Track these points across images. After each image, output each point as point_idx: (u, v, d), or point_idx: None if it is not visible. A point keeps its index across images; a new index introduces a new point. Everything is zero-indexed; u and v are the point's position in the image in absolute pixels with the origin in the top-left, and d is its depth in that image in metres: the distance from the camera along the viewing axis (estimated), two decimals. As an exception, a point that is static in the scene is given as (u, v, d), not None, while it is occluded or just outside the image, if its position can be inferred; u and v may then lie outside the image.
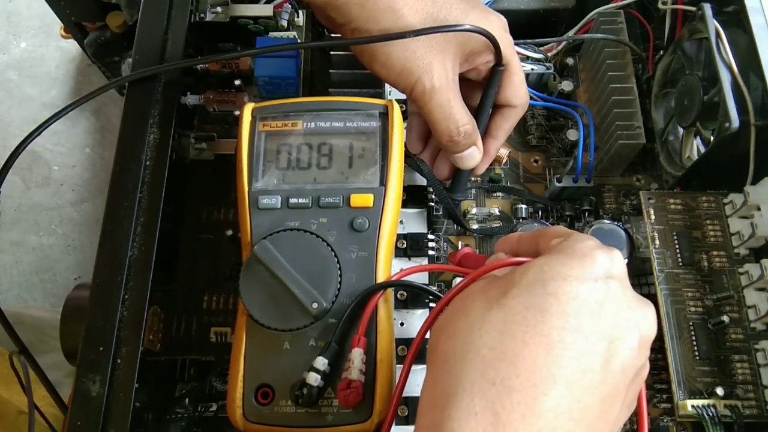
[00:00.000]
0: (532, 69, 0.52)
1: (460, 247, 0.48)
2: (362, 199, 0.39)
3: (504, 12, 0.43)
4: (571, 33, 0.54)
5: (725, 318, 0.41)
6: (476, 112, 0.42)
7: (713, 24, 0.44)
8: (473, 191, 0.50)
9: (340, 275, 0.37)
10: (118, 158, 0.43)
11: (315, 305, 0.35)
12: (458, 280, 0.46)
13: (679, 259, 0.44)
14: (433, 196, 0.48)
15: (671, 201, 0.45)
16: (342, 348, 0.36)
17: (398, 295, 0.45)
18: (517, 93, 0.42)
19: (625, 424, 0.29)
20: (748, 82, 0.42)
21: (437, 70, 0.38)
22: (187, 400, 0.43)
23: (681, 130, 0.49)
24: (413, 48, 0.37)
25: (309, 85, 0.52)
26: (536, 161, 0.52)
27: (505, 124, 0.43)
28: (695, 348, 0.41)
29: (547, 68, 0.52)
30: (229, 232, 0.47)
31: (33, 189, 1.20)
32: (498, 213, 0.49)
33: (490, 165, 0.51)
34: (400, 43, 0.37)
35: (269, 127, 0.41)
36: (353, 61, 0.50)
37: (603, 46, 0.51)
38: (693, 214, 0.45)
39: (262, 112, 0.42)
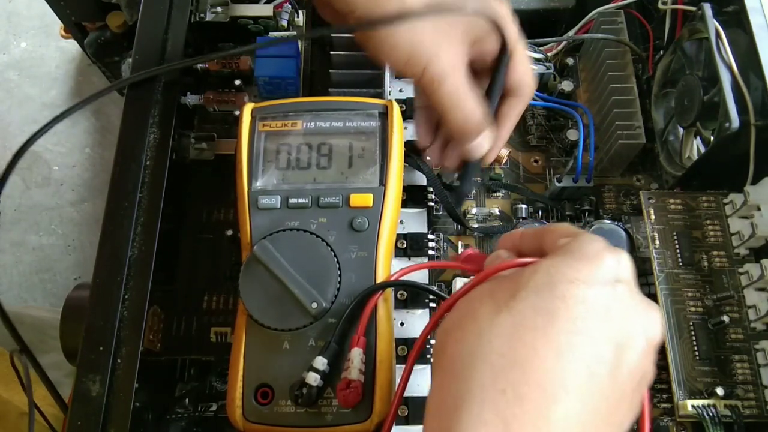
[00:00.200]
0: (532, 69, 0.52)
1: (460, 247, 0.48)
2: (362, 199, 0.39)
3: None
4: (571, 33, 0.54)
5: (725, 318, 0.41)
6: (484, 101, 0.41)
7: (713, 24, 0.44)
8: (473, 191, 0.50)
9: (340, 275, 0.37)
10: (118, 158, 0.43)
11: (314, 305, 0.35)
12: (458, 280, 0.46)
13: (679, 259, 0.44)
14: (433, 196, 0.48)
15: (671, 201, 0.45)
16: (341, 348, 0.36)
17: (398, 295, 0.45)
18: (523, 79, 0.41)
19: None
20: (748, 82, 0.42)
21: (445, 57, 0.37)
22: (187, 400, 0.43)
23: (681, 130, 0.49)
24: (420, 36, 0.36)
25: (309, 85, 0.52)
26: (536, 161, 0.52)
27: (513, 112, 0.42)
28: (695, 348, 0.41)
29: (547, 68, 0.52)
30: (229, 232, 0.47)
31: (33, 189, 1.20)
32: (498, 213, 0.49)
33: (491, 165, 0.51)
34: (407, 31, 0.36)
35: (269, 127, 0.41)
36: (353, 61, 0.50)
37: (603, 46, 0.51)
38: (693, 214, 0.45)
39: (262, 112, 0.42)
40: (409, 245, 0.46)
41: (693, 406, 0.40)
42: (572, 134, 0.50)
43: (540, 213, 0.50)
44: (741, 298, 0.42)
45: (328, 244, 0.37)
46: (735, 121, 0.41)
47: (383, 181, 0.39)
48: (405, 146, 0.43)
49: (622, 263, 0.27)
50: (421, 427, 0.41)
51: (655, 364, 0.28)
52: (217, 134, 0.49)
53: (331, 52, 0.50)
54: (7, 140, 1.20)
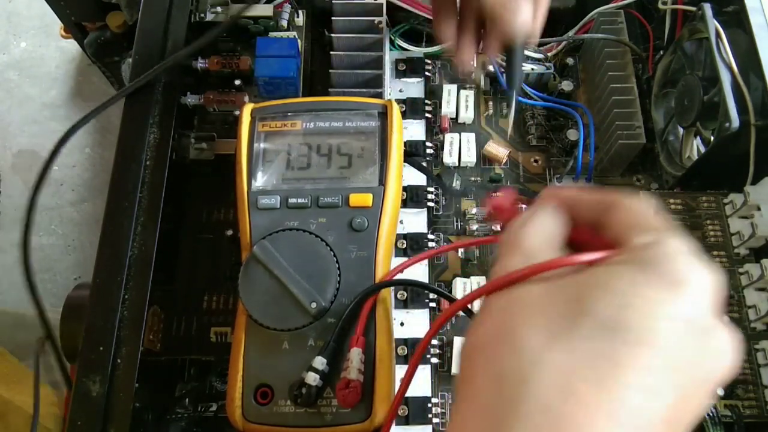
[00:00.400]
0: (532, 69, 0.52)
1: (460, 253, 0.48)
2: (361, 199, 0.39)
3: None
4: (571, 33, 0.54)
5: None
6: None
7: (713, 24, 0.44)
8: (473, 190, 0.50)
9: (339, 275, 0.37)
10: (118, 158, 0.43)
11: (314, 305, 0.35)
12: (458, 280, 0.46)
13: (679, 259, 0.44)
14: (433, 195, 0.48)
15: (671, 201, 0.45)
16: (341, 348, 0.36)
17: (398, 295, 0.45)
18: None
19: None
20: (748, 82, 0.42)
21: None
22: (187, 400, 0.43)
23: (681, 130, 0.49)
24: None
25: (309, 85, 0.52)
26: (536, 161, 0.52)
27: None
28: (695, 348, 0.41)
29: (547, 68, 0.52)
30: (229, 232, 0.47)
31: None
32: (498, 213, 0.49)
33: (490, 165, 0.51)
34: None
35: (268, 128, 0.41)
36: (353, 61, 0.50)
37: (603, 46, 0.51)
38: (693, 214, 0.45)
39: (262, 112, 0.42)
40: (409, 245, 0.46)
41: (693, 406, 0.39)
42: (572, 134, 0.50)
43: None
44: (741, 298, 0.42)
45: (327, 244, 0.37)
46: (735, 121, 0.41)
47: (383, 181, 0.39)
48: (405, 146, 0.43)
49: (715, 291, 0.21)
50: (421, 427, 0.42)
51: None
52: (217, 134, 0.49)
53: (331, 52, 0.50)
54: (7, 140, 1.20)
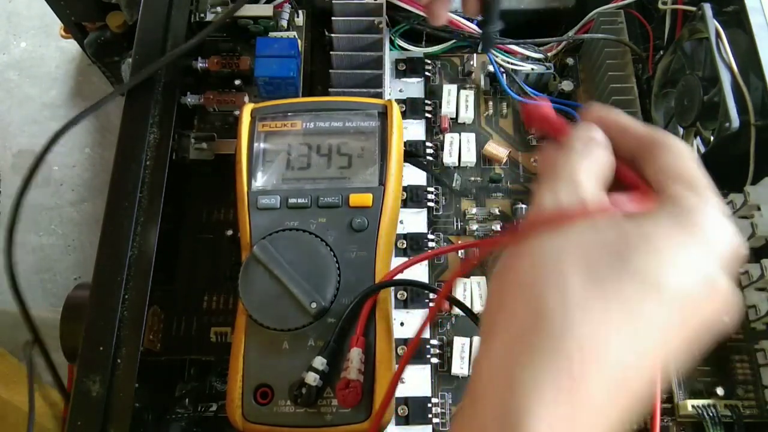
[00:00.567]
0: (532, 69, 0.52)
1: (460, 254, 0.48)
2: (361, 199, 0.39)
3: (504, 12, 0.43)
4: (571, 33, 0.54)
5: (725, 318, 0.41)
6: None
7: (713, 24, 0.44)
8: (473, 191, 0.50)
9: (339, 275, 0.37)
10: (118, 158, 0.43)
11: (314, 305, 0.35)
12: (458, 280, 0.46)
13: (679, 259, 0.44)
14: (433, 195, 0.48)
15: (671, 201, 0.45)
16: (341, 348, 0.36)
17: (398, 295, 0.45)
18: None
19: (632, 424, 0.24)
20: (748, 82, 0.42)
21: None
22: (187, 400, 0.43)
23: (681, 130, 0.49)
24: None
25: (309, 85, 0.52)
26: (536, 161, 0.52)
27: None
28: (695, 348, 0.41)
29: (547, 68, 0.52)
30: (229, 232, 0.47)
31: (33, 189, 1.20)
32: (498, 213, 0.49)
33: (490, 165, 0.51)
34: None
35: (268, 128, 0.41)
36: (353, 61, 0.50)
37: (603, 46, 0.51)
38: (693, 214, 0.45)
39: (262, 112, 0.42)
40: (409, 245, 0.46)
41: (693, 406, 0.40)
42: (572, 134, 0.50)
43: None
44: (741, 298, 0.42)
45: (327, 244, 0.37)
46: (735, 121, 0.41)
47: (383, 181, 0.39)
48: (405, 146, 0.43)
49: (742, 253, 0.23)
50: (421, 427, 0.42)
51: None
52: (217, 134, 0.49)
53: (331, 52, 0.50)
54: (7, 140, 1.20)
